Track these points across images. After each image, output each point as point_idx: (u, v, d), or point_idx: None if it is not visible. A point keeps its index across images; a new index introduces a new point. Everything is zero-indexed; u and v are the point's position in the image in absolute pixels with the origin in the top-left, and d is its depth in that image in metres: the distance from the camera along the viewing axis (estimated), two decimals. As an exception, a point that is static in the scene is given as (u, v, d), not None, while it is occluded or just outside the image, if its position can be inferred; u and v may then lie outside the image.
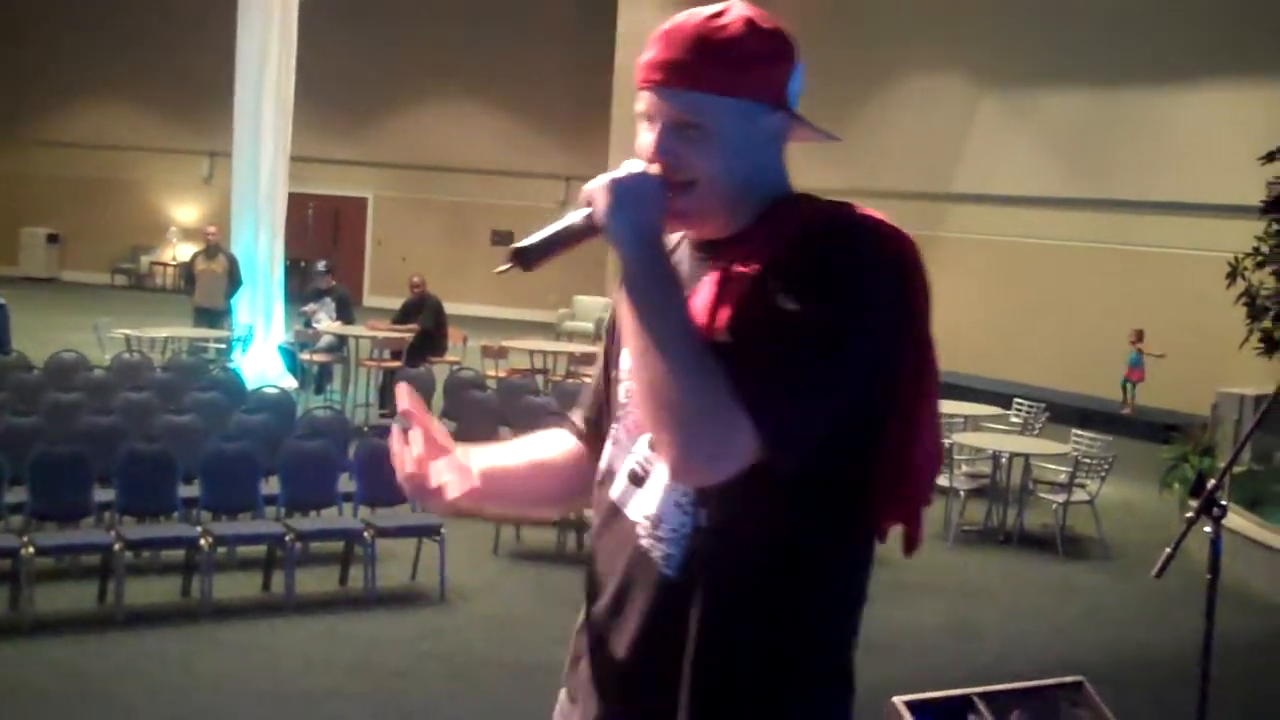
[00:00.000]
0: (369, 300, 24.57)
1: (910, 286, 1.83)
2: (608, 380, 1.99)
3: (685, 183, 1.80)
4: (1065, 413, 14.69)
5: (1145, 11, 17.41)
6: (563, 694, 2.06)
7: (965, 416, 12.69)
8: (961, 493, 10.88)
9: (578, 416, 2.11)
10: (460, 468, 1.93)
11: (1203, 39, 16.69)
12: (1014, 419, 13.15)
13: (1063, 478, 10.95)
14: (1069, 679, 3.75)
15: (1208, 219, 16.40)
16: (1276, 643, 8.98)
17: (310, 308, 15.00)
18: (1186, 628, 8.38)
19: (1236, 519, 10.86)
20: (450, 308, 15.82)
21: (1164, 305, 16.75)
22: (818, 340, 1.67)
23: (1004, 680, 3.96)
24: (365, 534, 8.10)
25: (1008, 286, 18.82)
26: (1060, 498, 10.75)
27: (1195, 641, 8.62)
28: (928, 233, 19.98)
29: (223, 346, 14.72)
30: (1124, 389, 16.61)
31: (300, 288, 17.93)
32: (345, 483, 8.65)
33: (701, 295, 1.76)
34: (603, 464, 1.93)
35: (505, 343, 15.11)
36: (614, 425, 1.92)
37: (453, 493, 1.90)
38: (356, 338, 14.55)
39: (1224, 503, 2.68)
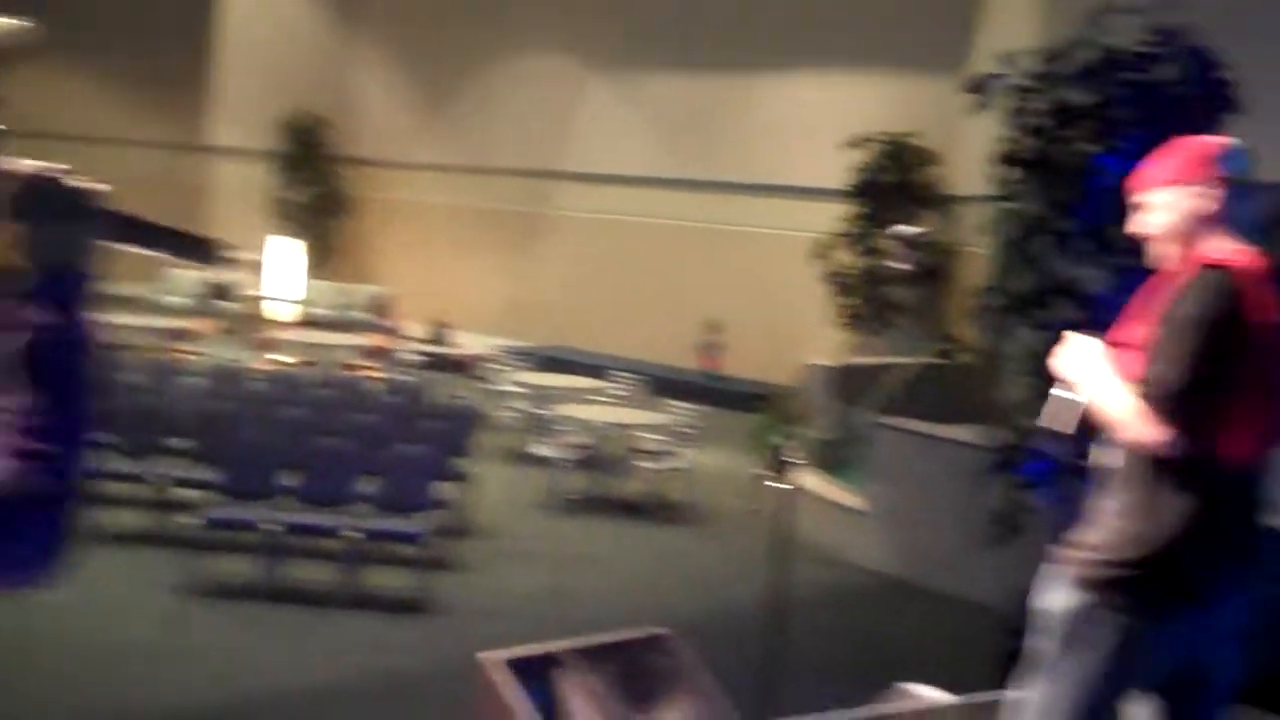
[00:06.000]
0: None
1: (1226, 317, 2.75)
2: None
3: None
4: (664, 384, 15.18)
5: (744, 1, 18.19)
6: None
7: (569, 389, 12.92)
8: (565, 463, 11.08)
9: None
10: None
11: (796, 30, 17.58)
12: (615, 391, 13.49)
13: (660, 447, 11.32)
14: (654, 631, 3.87)
15: (798, 200, 17.30)
16: (845, 592, 9.59)
17: None
18: (768, 585, 8.84)
19: (817, 482, 11.53)
20: None
21: (758, 281, 17.56)
22: (1172, 364, 2.75)
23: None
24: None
25: (611, 263, 19.26)
26: (657, 466, 11.12)
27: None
28: (535, 210, 20.25)
29: None
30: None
31: None
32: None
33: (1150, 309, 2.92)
34: None
35: None
36: None
37: None
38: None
39: (792, 460, 2.93)
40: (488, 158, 20.46)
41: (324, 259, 21.49)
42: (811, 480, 11.57)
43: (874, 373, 12.81)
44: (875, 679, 7.05)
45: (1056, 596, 2.95)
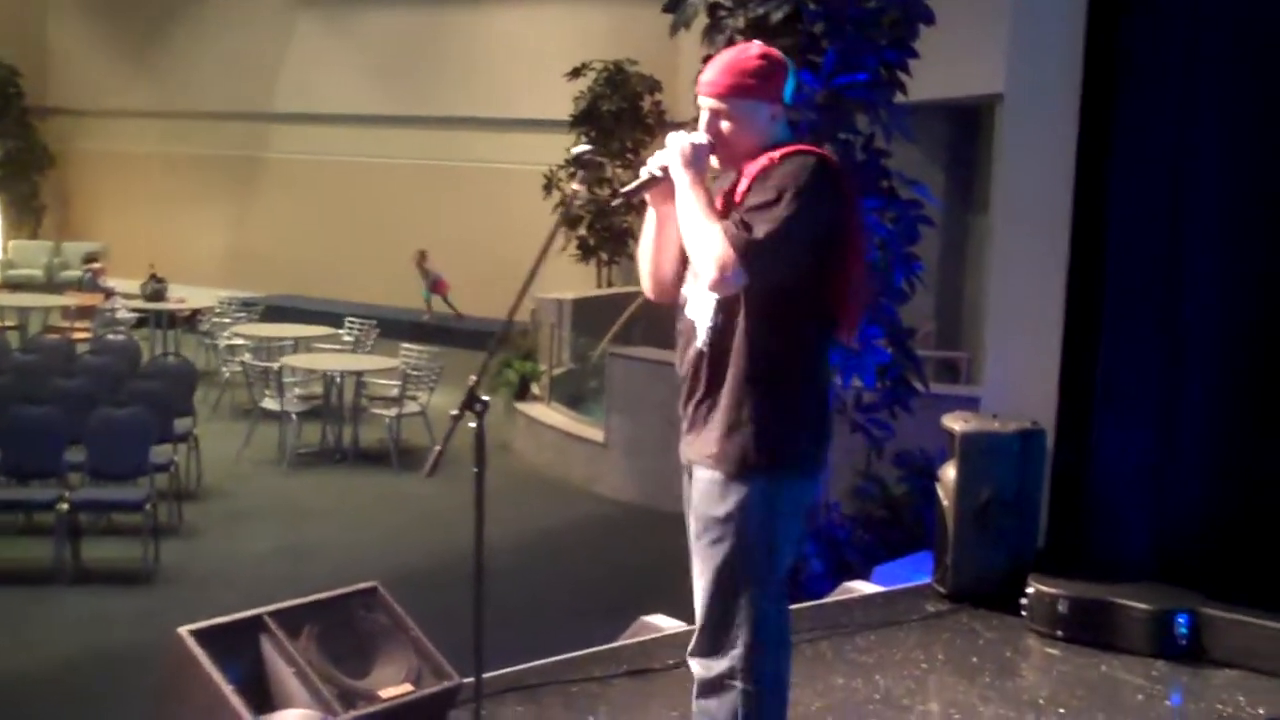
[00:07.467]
0: None
1: (829, 189, 2.88)
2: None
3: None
4: (397, 328, 14.88)
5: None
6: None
7: (295, 339, 12.52)
8: (294, 416, 10.73)
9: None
10: None
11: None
12: (346, 338, 13.13)
13: (394, 392, 11.08)
14: (362, 585, 3.73)
15: (523, 134, 17.12)
16: (592, 524, 9.62)
17: None
18: (512, 523, 8.81)
19: (557, 415, 11.50)
20: None
21: (487, 217, 17.34)
22: (768, 215, 2.82)
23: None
24: None
25: (334, 206, 18.72)
26: (392, 412, 10.88)
27: (519, 534, 9.06)
28: (250, 154, 19.52)
29: None
30: (427, 301, 17.13)
31: None
32: None
33: (724, 194, 2.99)
34: (684, 291, 3.09)
35: None
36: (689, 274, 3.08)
37: None
38: None
39: (486, 398, 3.13)
40: (198, 102, 19.59)
41: (29, 217, 20.31)
42: (552, 415, 11.53)
43: (606, 304, 12.83)
44: (623, 610, 7.07)
45: (702, 495, 3.02)
